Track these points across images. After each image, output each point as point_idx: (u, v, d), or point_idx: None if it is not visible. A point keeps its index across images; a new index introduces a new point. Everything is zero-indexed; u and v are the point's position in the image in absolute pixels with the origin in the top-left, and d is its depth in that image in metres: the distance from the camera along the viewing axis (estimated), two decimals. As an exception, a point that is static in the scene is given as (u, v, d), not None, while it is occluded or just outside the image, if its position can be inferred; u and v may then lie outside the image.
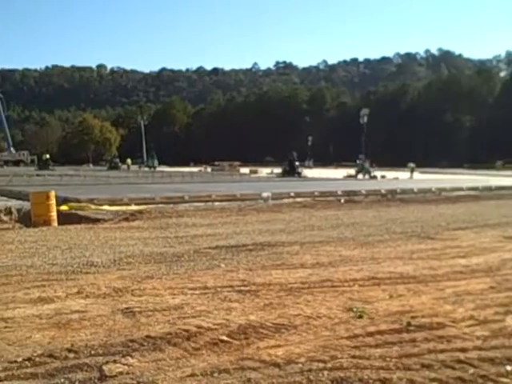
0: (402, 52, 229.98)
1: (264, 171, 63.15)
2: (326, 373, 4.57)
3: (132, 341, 5.39)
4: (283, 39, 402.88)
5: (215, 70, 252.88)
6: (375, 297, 7.07)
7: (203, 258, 9.90)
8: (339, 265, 9.24)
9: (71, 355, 5.02)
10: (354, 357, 4.93)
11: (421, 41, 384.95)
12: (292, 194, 24.13)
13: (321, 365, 4.75)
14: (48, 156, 78.55)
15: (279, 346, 5.28)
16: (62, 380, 4.49)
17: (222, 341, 5.41)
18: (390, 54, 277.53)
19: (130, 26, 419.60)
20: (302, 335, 5.60)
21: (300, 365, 4.76)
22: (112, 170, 71.18)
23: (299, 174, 51.39)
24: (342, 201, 22.55)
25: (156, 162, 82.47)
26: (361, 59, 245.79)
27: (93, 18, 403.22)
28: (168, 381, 4.46)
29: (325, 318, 6.15)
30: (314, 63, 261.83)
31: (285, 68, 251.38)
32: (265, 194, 22.67)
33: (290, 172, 51.22)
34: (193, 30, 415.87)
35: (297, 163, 53.45)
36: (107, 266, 9.21)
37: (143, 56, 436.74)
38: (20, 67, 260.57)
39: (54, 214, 15.76)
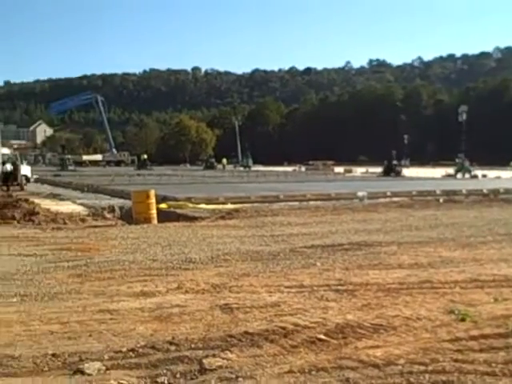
0: (502, 46, 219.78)
1: (358, 170, 62.34)
2: (427, 376, 4.45)
3: (230, 336, 5.47)
4: (376, 37, 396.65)
5: (308, 70, 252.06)
6: (478, 300, 6.81)
7: (299, 257, 9.91)
8: (439, 266, 8.97)
9: (172, 348, 5.17)
10: (456, 360, 4.77)
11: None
12: (388, 194, 23.69)
13: (421, 367, 4.62)
14: (146, 156, 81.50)
15: (378, 346, 5.19)
16: (164, 371, 4.62)
17: (320, 339, 5.39)
18: (489, 48, 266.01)
19: (223, 27, 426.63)
20: (401, 336, 5.48)
21: (400, 366, 4.66)
22: (208, 170, 72.63)
23: (398, 173, 50.29)
24: (441, 200, 21.89)
25: (251, 162, 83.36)
26: (458, 55, 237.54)
27: (187, 22, 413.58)
28: (266, 376, 4.49)
29: (425, 320, 5.98)
30: (409, 60, 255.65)
31: (378, 66, 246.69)
32: (360, 194, 22.39)
33: (390, 171, 50.24)
34: (285, 30, 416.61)
35: (395, 162, 52.32)
36: (205, 263, 9.41)
37: (236, 58, 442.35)
38: (120, 71, 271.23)
39: (153, 211, 16.27)
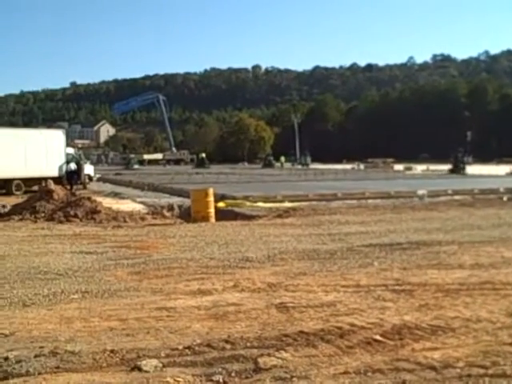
0: None
1: (419, 168, 61.16)
2: (487, 379, 4.33)
3: (286, 335, 5.47)
4: (440, 31, 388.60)
5: (369, 66, 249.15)
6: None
7: (356, 256, 9.82)
8: (501, 266, 8.71)
9: (228, 346, 5.21)
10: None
11: None
12: (449, 192, 23.17)
13: (481, 371, 4.50)
14: (204, 155, 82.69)
15: (436, 348, 5.09)
16: (220, 369, 4.66)
17: (376, 340, 5.32)
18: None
19: (283, 25, 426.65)
20: (460, 338, 5.35)
21: (458, 369, 4.55)
22: (266, 168, 72.83)
23: (463, 170, 48.95)
24: (505, 199, 21.24)
25: (309, 160, 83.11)
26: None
27: (247, 21, 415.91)
28: (321, 377, 4.47)
29: (485, 322, 5.82)
30: (475, 54, 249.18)
31: (442, 61, 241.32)
32: (420, 192, 21.99)
33: (458, 170, 48.89)
34: (346, 26, 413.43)
35: (463, 159, 50.79)
36: (262, 262, 9.44)
37: (297, 55, 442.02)
38: (181, 71, 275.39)
39: (212, 210, 16.43)
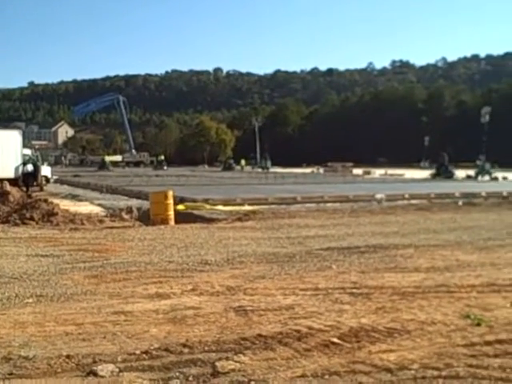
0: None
1: (377, 172, 61.99)
2: (440, 381, 4.42)
3: (244, 339, 5.47)
4: (400, 37, 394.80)
5: (329, 71, 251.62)
6: (495, 304, 6.74)
7: (315, 259, 9.89)
8: (456, 270, 8.89)
9: (186, 350, 5.18)
10: (470, 366, 4.72)
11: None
12: (406, 196, 23.55)
13: (435, 372, 4.59)
14: (162, 157, 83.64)
15: (391, 350, 5.16)
16: (177, 374, 4.63)
17: (333, 343, 5.37)
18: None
19: (245, 28, 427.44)
20: (415, 341, 5.44)
21: (413, 371, 4.62)
22: (226, 171, 72.93)
23: (452, 175, 48.96)
24: (460, 203, 21.70)
25: (269, 163, 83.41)
26: (482, 55, 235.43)
27: (209, 22, 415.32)
28: (279, 380, 4.49)
29: (440, 325, 5.94)
30: (432, 61, 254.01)
31: (401, 67, 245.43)
32: (378, 196, 22.29)
33: (441, 173, 49.13)
34: (307, 31, 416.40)
35: (446, 164, 50.81)
36: (221, 265, 9.43)
37: (258, 58, 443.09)
38: (142, 72, 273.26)
39: (171, 213, 16.33)
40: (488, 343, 5.31)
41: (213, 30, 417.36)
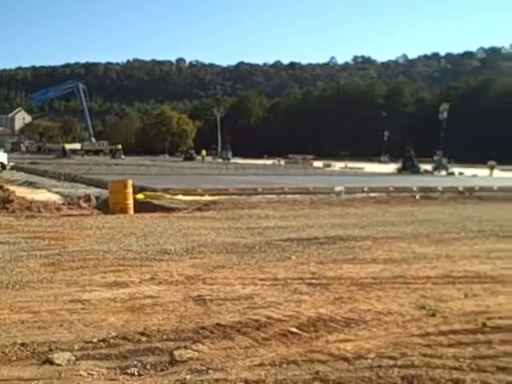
0: (487, 46, 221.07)
1: (337, 165, 62.56)
2: (396, 370, 4.48)
3: (202, 328, 5.46)
4: (362, 34, 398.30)
5: (292, 65, 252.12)
6: (449, 295, 6.87)
7: (274, 250, 9.92)
8: (412, 261, 9.04)
9: (144, 339, 5.15)
10: (425, 355, 4.81)
11: (507, 34, 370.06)
12: (365, 189, 23.82)
13: (391, 362, 4.65)
14: (120, 146, 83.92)
15: (349, 340, 5.22)
16: (135, 362, 4.60)
17: (292, 332, 5.40)
18: (473, 48, 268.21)
19: (209, 20, 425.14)
20: (372, 331, 5.51)
21: (369, 360, 4.68)
22: (187, 161, 72.63)
23: (418, 169, 49.03)
24: (418, 197, 22.06)
25: (230, 154, 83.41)
26: (442, 53, 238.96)
27: (173, 12, 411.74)
28: (237, 369, 4.49)
29: (396, 315, 6.03)
30: (393, 57, 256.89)
31: (363, 62, 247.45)
32: (338, 188, 22.50)
33: (408, 168, 49.11)
34: (270, 24, 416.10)
35: (413, 158, 50.73)
36: (180, 254, 9.38)
37: (221, 50, 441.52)
38: (103, 61, 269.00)
39: (130, 202, 16.16)
40: (442, 333, 5.41)
41: (176, 20, 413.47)
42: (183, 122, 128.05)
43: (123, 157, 78.67)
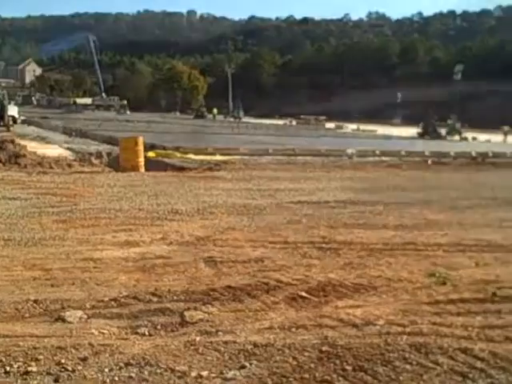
0: (504, 4, 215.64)
1: (350, 127, 62.08)
2: (404, 337, 4.50)
3: (213, 290, 5.50)
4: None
5: (305, 20, 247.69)
6: (460, 263, 6.86)
7: (285, 213, 9.93)
8: (423, 228, 9.02)
9: (154, 299, 5.19)
10: (434, 323, 4.82)
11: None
12: (377, 153, 23.69)
13: (400, 329, 4.67)
14: (125, 102, 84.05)
15: (358, 306, 5.24)
16: (145, 322, 4.65)
17: (301, 296, 5.43)
18: (490, 6, 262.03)
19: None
20: (381, 297, 5.53)
21: (378, 327, 4.70)
22: (198, 119, 72.28)
23: (439, 135, 47.67)
24: (430, 162, 21.93)
25: (242, 113, 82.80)
26: (458, 12, 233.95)
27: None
28: (246, 331, 4.53)
29: (406, 282, 6.03)
30: (408, 15, 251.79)
31: (377, 19, 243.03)
32: (349, 151, 22.38)
33: (430, 133, 47.96)
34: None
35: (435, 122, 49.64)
36: (191, 215, 9.41)
37: (233, 3, 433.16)
38: (113, 11, 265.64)
39: (141, 159, 16.17)
40: (452, 302, 5.40)
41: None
42: (194, 77, 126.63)
43: (128, 112, 78.65)
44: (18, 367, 3.68)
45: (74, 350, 3.98)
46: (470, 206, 11.59)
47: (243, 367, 3.82)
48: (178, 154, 19.00)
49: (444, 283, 6.00)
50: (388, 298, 5.52)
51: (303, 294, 5.51)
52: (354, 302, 5.34)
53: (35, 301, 4.95)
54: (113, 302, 5.05)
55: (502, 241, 8.22)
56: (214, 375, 3.69)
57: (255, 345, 4.26)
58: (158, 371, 3.72)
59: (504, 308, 5.25)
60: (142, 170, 15.90)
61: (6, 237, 7.29)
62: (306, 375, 3.74)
